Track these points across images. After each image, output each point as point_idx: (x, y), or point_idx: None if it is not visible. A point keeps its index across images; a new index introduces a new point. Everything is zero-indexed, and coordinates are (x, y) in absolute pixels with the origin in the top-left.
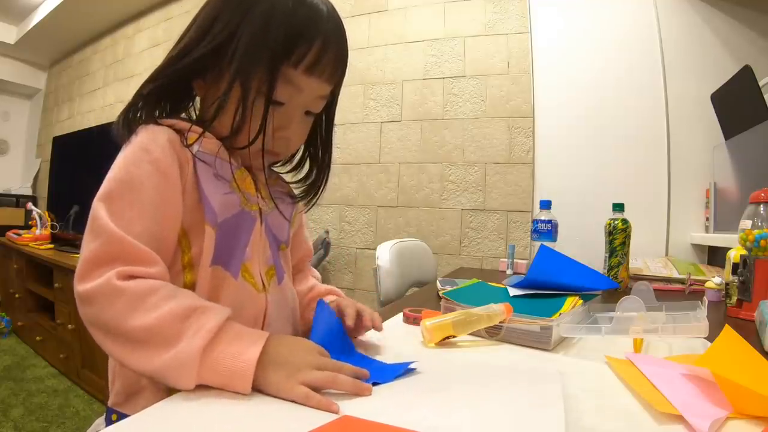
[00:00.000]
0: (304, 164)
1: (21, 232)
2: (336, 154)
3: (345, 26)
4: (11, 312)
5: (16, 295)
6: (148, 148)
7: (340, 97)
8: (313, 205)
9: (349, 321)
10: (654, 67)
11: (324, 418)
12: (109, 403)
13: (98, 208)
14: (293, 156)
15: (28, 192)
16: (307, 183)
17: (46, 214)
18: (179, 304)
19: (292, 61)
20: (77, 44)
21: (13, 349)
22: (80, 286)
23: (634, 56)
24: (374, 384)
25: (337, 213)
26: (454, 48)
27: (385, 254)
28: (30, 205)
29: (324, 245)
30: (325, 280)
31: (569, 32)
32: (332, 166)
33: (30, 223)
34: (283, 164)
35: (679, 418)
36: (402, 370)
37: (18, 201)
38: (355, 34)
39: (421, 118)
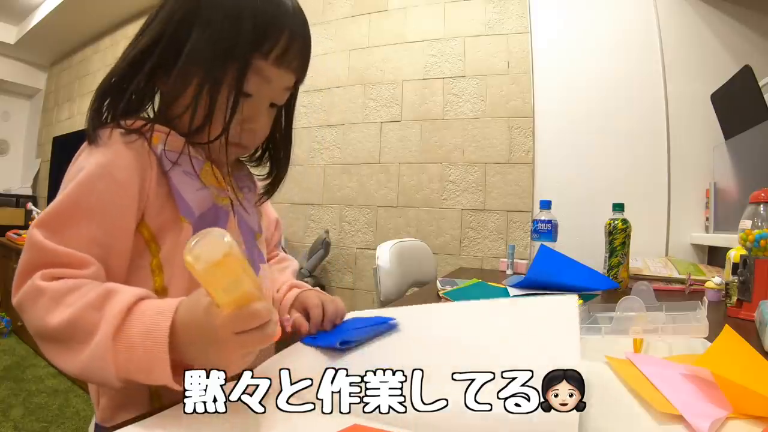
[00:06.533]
0: (266, 159)
1: (21, 232)
2: (336, 154)
3: (345, 27)
4: (11, 312)
5: None
6: (104, 154)
7: (338, 97)
8: (270, 195)
9: (312, 329)
10: (654, 67)
11: (333, 426)
12: (97, 420)
13: (34, 229)
14: (255, 152)
15: (28, 192)
16: (271, 177)
17: None
18: (96, 293)
19: (263, 52)
20: (77, 44)
21: (13, 349)
22: (13, 300)
23: (634, 56)
24: (346, 342)
25: (337, 213)
26: (454, 48)
27: (385, 254)
28: (30, 205)
29: (324, 245)
30: (325, 280)
31: (569, 32)
32: (332, 167)
33: (30, 223)
34: (248, 159)
35: (679, 418)
36: (382, 326)
37: (18, 201)
38: (355, 34)
39: (421, 118)
